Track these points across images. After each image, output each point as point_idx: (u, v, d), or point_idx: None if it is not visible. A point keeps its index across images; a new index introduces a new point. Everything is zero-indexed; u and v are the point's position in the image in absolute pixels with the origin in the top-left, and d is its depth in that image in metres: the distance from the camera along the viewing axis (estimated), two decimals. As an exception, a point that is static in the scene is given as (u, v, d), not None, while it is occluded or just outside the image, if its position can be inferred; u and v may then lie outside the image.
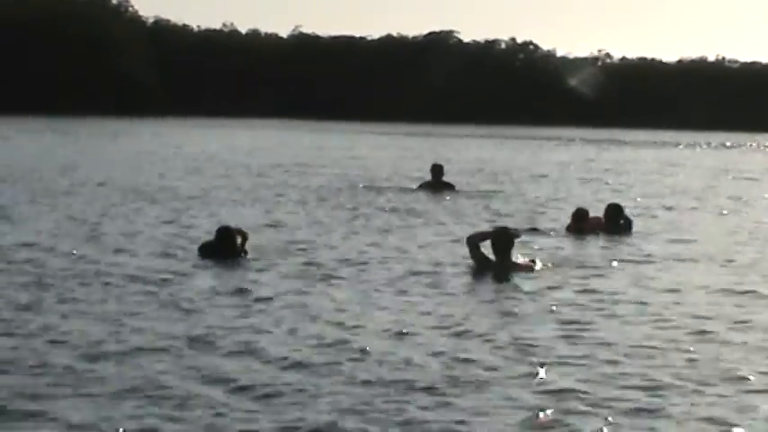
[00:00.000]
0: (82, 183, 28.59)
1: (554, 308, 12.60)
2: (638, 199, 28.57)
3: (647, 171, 43.77)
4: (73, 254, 15.83)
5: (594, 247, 18.45)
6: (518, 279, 14.51)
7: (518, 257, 15.33)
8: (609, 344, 10.83)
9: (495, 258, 15.06)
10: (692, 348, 10.68)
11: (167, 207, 23.30)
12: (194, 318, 11.61)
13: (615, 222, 20.15)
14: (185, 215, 21.74)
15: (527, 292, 13.58)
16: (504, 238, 15.05)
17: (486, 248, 15.16)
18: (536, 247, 17.74)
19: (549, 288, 13.90)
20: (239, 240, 16.03)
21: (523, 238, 17.47)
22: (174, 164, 38.04)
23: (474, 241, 15.24)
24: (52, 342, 10.32)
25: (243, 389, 8.83)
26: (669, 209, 26.53)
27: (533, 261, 15.45)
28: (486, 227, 17.92)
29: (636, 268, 16.04)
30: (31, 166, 33.68)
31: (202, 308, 12.13)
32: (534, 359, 10.08)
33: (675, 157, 60.52)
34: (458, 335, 11.10)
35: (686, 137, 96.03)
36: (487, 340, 10.89)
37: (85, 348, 10.09)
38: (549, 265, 15.61)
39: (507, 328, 11.41)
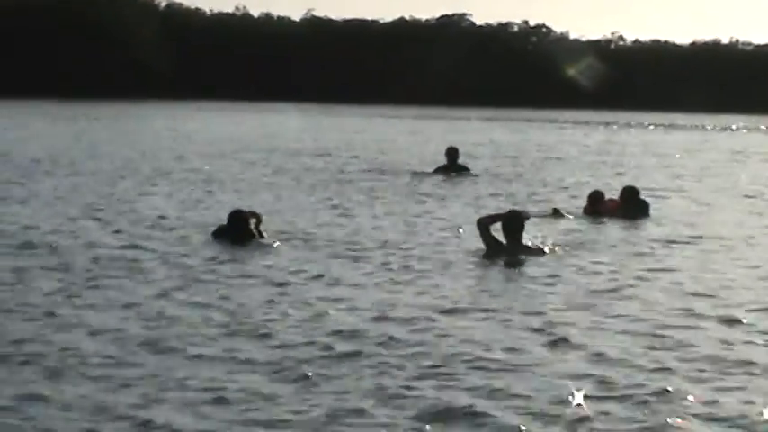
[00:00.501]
0: (102, 166, 28.70)
1: (566, 289, 12.65)
2: (657, 181, 28.53)
3: (665, 154, 43.62)
4: (93, 239, 15.96)
5: (609, 229, 18.45)
6: (529, 262, 14.52)
7: (529, 240, 15.31)
8: (639, 318, 11.01)
9: (505, 241, 15.06)
10: (722, 329, 10.74)
11: (187, 191, 23.44)
12: (214, 303, 11.67)
13: (631, 205, 20.11)
14: (203, 199, 21.88)
15: (537, 275, 13.59)
16: (514, 221, 15.07)
17: (497, 231, 15.17)
18: (551, 229, 17.75)
19: (561, 270, 13.90)
20: (253, 223, 16.09)
21: (537, 220, 17.56)
22: (192, 148, 38.10)
23: (484, 224, 15.26)
24: (90, 333, 10.32)
25: (271, 373, 8.90)
26: (688, 191, 26.46)
27: (545, 244, 15.45)
28: (496, 210, 17.84)
29: (651, 250, 16.04)
30: (54, 151, 33.80)
31: (223, 292, 12.20)
32: (551, 339, 10.17)
33: (694, 139, 60.27)
34: (474, 317, 11.16)
35: (701, 119, 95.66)
36: (502, 320, 11.00)
37: (114, 335, 10.17)
38: (562, 247, 15.60)
39: (520, 310, 11.48)
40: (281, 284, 12.61)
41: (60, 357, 9.21)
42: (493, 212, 16.53)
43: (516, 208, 16.94)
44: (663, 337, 10.29)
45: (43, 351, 9.38)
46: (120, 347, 9.61)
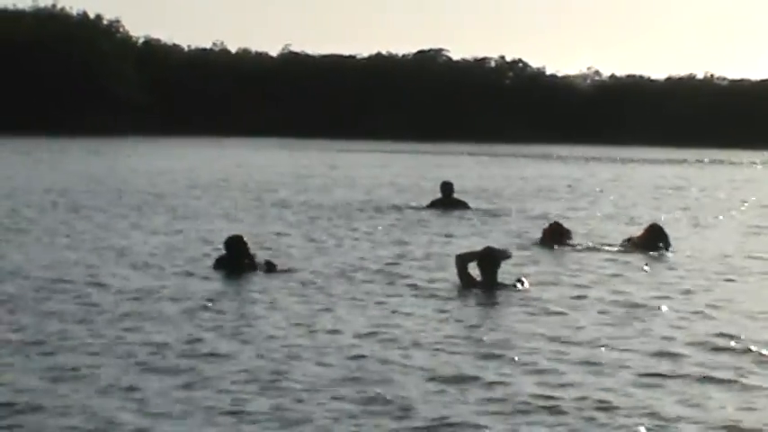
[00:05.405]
0: (100, 202, 28.80)
1: (538, 325, 12.83)
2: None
3: (648, 189, 43.84)
4: (105, 274, 16.13)
5: (598, 261, 18.65)
6: (500, 299, 14.61)
7: (504, 277, 15.41)
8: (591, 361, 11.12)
9: (481, 277, 15.26)
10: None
11: (192, 224, 23.69)
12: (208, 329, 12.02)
13: (653, 242, 20.05)
14: (205, 232, 22.07)
15: (507, 311, 13.75)
16: (489, 259, 15.27)
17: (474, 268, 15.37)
18: (534, 263, 18.14)
19: (533, 307, 13.98)
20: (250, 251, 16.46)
21: (519, 254, 17.88)
22: (182, 181, 38.21)
23: (462, 261, 15.46)
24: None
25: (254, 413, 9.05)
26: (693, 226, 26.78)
27: (521, 281, 15.57)
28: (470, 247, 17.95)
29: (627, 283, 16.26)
30: (52, 185, 33.89)
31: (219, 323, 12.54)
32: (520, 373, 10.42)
33: (685, 174, 60.30)
34: (436, 350, 11.40)
35: (682, 154, 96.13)
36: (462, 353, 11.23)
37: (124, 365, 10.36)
38: (539, 283, 15.76)
39: (483, 345, 11.65)
40: (264, 310, 13.16)
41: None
42: (472, 249, 16.63)
43: (494, 245, 16.90)
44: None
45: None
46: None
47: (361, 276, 16.36)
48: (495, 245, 17.29)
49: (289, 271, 16.46)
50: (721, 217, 29.53)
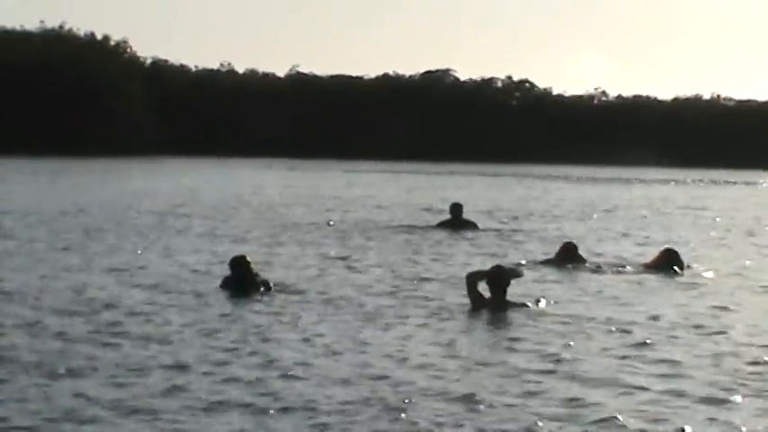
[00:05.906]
0: (113, 223, 28.66)
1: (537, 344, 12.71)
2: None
3: (662, 209, 43.70)
4: (119, 295, 15.98)
5: (614, 281, 18.47)
6: (511, 318, 14.49)
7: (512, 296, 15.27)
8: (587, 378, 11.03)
9: (490, 297, 15.11)
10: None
11: (208, 244, 23.66)
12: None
13: (670, 267, 19.71)
14: (219, 252, 21.90)
15: (513, 330, 13.65)
16: (498, 278, 15.12)
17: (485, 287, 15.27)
18: (547, 282, 17.99)
19: (547, 325, 13.88)
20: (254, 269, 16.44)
21: (532, 274, 17.81)
22: (195, 202, 38.16)
23: (472, 279, 15.31)
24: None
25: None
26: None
27: (537, 300, 15.45)
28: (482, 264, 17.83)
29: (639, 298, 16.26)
30: (64, 207, 33.78)
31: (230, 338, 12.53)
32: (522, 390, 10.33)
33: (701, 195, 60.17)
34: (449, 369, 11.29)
35: (689, 174, 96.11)
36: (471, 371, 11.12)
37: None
38: (551, 302, 15.66)
39: (497, 362, 11.60)
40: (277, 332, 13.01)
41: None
42: (482, 268, 16.49)
43: (503, 264, 16.79)
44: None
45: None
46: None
47: (372, 296, 16.24)
48: (506, 264, 17.14)
49: (299, 291, 16.38)
50: (747, 237, 29.36)
